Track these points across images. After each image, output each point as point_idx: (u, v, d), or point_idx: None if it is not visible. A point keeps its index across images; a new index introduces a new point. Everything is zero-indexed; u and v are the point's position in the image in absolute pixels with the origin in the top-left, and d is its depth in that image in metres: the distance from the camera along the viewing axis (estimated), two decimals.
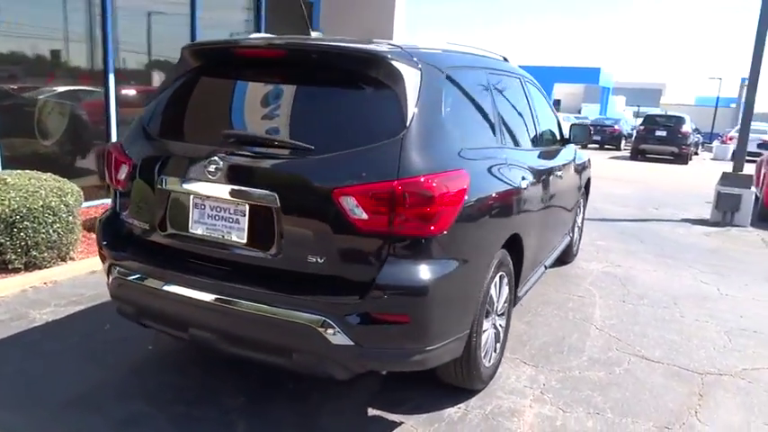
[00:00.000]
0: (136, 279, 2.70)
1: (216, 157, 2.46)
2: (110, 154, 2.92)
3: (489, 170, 2.86)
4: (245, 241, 2.49)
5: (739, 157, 8.66)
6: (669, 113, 23.32)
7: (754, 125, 33.82)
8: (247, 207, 2.46)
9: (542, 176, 3.77)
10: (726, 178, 8.56)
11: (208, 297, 2.48)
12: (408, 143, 2.34)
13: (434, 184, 2.31)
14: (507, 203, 3.00)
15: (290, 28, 9.91)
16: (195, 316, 2.59)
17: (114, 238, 2.89)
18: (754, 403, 3.21)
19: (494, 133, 3.17)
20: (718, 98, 42.23)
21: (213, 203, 2.55)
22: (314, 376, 2.63)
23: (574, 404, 3.08)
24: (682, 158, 20.43)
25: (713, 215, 8.64)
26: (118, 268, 2.76)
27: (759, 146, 20.63)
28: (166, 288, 2.59)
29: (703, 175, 16.76)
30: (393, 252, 2.31)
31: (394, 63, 2.47)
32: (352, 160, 2.32)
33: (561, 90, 40.07)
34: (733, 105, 46.83)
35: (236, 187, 2.45)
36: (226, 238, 2.53)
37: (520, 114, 3.79)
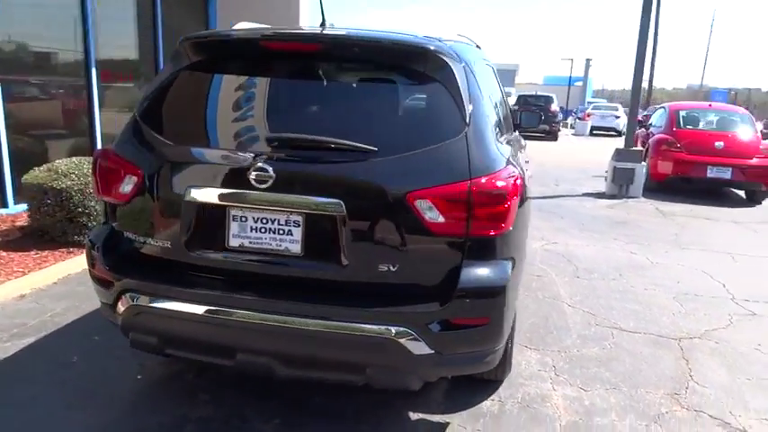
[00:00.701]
0: (161, 305, 2.36)
1: (264, 164, 2.20)
2: (103, 163, 2.51)
3: (518, 162, 2.87)
4: (300, 254, 2.27)
5: (630, 134, 9.54)
6: (539, 93, 25.03)
7: (605, 104, 37.10)
8: (303, 217, 2.25)
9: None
10: (619, 153, 9.40)
11: (263, 318, 2.23)
12: (471, 141, 2.27)
13: (504, 183, 2.26)
14: (527, 196, 3.04)
15: (188, 19, 9.24)
16: (245, 339, 2.32)
17: (122, 260, 2.49)
18: (729, 362, 3.57)
19: (501, 125, 3.18)
20: (570, 78, 46.06)
21: (258, 215, 2.29)
22: (384, 389, 2.49)
23: (589, 382, 3.23)
24: (552, 135, 22.05)
25: (609, 188, 9.46)
26: (135, 295, 2.39)
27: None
28: (205, 312, 2.29)
29: (575, 150, 18.30)
30: (469, 254, 2.24)
31: (444, 57, 2.36)
32: (421, 161, 2.20)
33: None
34: (579, 84, 51.38)
35: (290, 196, 2.22)
36: (276, 252, 2.29)
37: (503, 103, 3.84)
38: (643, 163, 9.49)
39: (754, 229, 7.61)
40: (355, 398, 2.90)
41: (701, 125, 10.42)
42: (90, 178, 5.01)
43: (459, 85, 2.35)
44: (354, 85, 2.46)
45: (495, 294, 2.25)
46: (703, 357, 3.61)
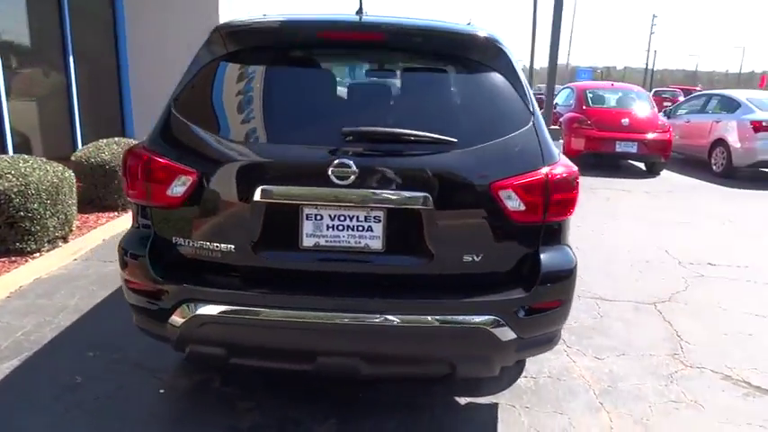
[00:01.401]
0: (231, 313, 2.19)
1: (345, 159, 2.11)
2: (143, 165, 2.27)
3: None
4: (381, 250, 2.21)
5: (548, 113, 10.12)
6: None
7: None
8: (384, 212, 2.19)
9: None
10: None
11: (347, 317, 2.16)
12: (538, 130, 2.33)
13: (572, 169, 2.34)
14: None
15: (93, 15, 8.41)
16: (327, 341, 2.23)
17: (174, 267, 2.28)
18: (703, 321, 3.98)
19: None
20: None
21: (336, 212, 2.19)
22: (466, 379, 2.48)
23: (600, 351, 3.45)
24: None
25: None
26: (197, 304, 2.20)
27: None
28: (281, 316, 2.17)
29: None
30: (544, 240, 2.31)
31: (501, 47, 2.38)
32: (499, 151, 2.22)
33: None
34: None
35: (373, 191, 2.14)
36: (355, 249, 2.21)
37: None
38: (560, 141, 10.13)
39: (665, 198, 8.42)
40: (398, 389, 2.89)
41: (606, 103, 11.27)
42: (31, 178, 4.51)
43: (518, 74, 2.39)
44: (419, 75, 2.41)
45: (568, 277, 2.34)
46: (681, 318, 3.99)
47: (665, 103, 22.16)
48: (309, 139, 2.21)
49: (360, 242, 2.21)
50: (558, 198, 2.27)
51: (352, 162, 2.11)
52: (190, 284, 2.23)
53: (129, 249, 2.36)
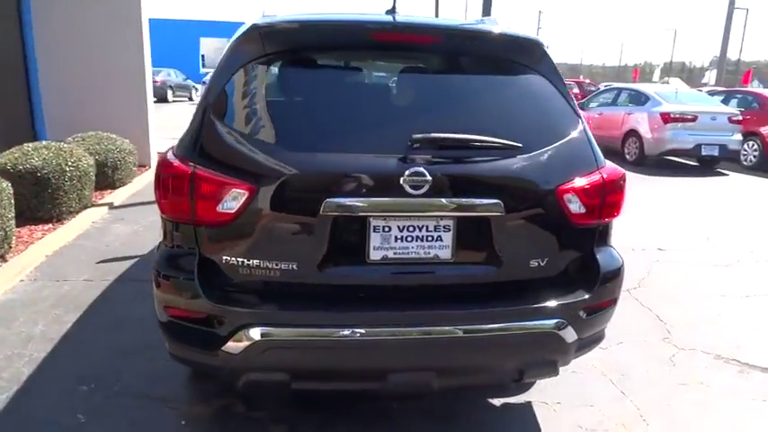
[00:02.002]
0: (297, 335, 2.04)
1: (419, 168, 2.02)
2: (194, 179, 2.04)
3: None
4: (450, 259, 2.15)
5: None
6: None
7: None
8: (454, 220, 2.12)
9: None
10: None
11: (420, 331, 2.08)
12: (587, 132, 2.36)
13: (620, 171, 2.40)
14: None
15: None
16: (400, 357, 2.13)
17: (231, 291, 2.09)
18: (678, 304, 4.27)
19: None
20: None
21: (404, 223, 2.09)
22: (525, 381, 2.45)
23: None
24: None
25: None
26: (260, 329, 2.02)
27: None
28: (350, 335, 2.05)
29: None
30: (598, 241, 2.35)
31: (545, 50, 2.39)
32: (559, 155, 2.23)
33: (208, 45, 39.21)
34: None
35: (446, 200, 2.07)
36: (424, 260, 2.13)
37: None
38: None
39: None
40: (430, 397, 2.85)
41: None
42: None
43: (561, 78, 2.41)
44: (473, 78, 2.35)
45: (618, 276, 2.40)
46: (657, 303, 4.25)
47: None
48: (374, 147, 2.09)
49: (429, 252, 2.14)
50: (612, 200, 2.32)
51: (425, 170, 2.03)
52: (249, 308, 2.05)
53: (170, 272, 2.13)
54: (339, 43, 2.27)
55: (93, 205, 6.11)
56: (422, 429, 2.64)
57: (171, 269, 2.14)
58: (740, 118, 10.78)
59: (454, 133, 2.13)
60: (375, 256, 2.11)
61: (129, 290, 4.09)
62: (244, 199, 2.02)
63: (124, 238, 5.27)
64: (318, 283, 2.11)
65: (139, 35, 8.05)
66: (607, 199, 2.30)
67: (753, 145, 11.36)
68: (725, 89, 15.44)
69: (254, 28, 2.19)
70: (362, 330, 2.05)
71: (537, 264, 2.22)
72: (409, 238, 2.11)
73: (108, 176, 6.79)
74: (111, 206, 6.29)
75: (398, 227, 2.10)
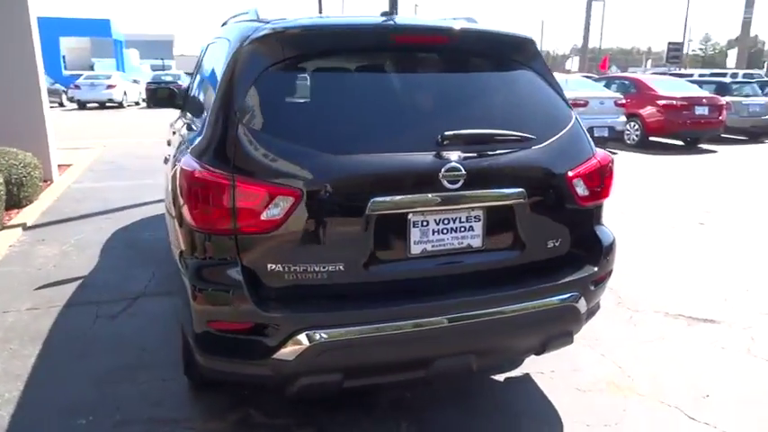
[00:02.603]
0: (351, 334, 2.07)
1: (455, 163, 2.13)
2: (234, 189, 2.01)
3: None
4: (481, 247, 2.28)
5: None
6: None
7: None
8: (483, 210, 2.25)
9: None
10: None
11: (458, 318, 2.18)
12: (580, 122, 2.59)
13: (610, 156, 2.65)
14: None
15: None
16: (443, 344, 2.23)
17: (279, 298, 2.07)
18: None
19: None
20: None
21: (440, 216, 2.19)
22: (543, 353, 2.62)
23: None
24: None
25: None
26: (314, 332, 2.03)
27: None
28: (399, 328, 2.12)
29: None
30: (595, 219, 2.59)
31: (538, 50, 2.58)
32: (564, 144, 2.43)
33: (67, 44, 36.47)
34: None
35: (479, 191, 2.20)
36: (458, 250, 2.26)
37: None
38: None
39: None
40: (436, 383, 2.97)
41: None
42: None
43: (551, 72, 2.62)
44: (482, 76, 2.48)
45: (613, 248, 2.67)
46: None
47: None
48: (408, 146, 2.17)
49: (462, 242, 2.25)
50: (607, 182, 2.57)
51: (460, 165, 2.14)
52: (302, 312, 2.06)
53: (211, 284, 2.08)
54: (358, 46, 2.32)
55: (4, 227, 5.54)
56: (440, 413, 2.76)
57: (212, 281, 2.09)
58: (624, 101, 11.96)
59: (477, 128, 2.26)
60: (415, 250, 2.19)
61: (86, 313, 3.81)
62: (289, 205, 2.02)
63: (55, 260, 4.85)
64: (365, 282, 2.15)
65: (29, 35, 7.31)
66: (605, 181, 2.54)
67: (634, 125, 12.69)
68: (612, 76, 17.00)
69: (275, 32, 2.18)
70: (411, 322, 2.13)
71: (552, 244, 2.42)
72: (445, 231, 2.22)
73: (14, 195, 6.17)
74: (24, 227, 5.73)
75: (435, 220, 2.20)
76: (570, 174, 2.40)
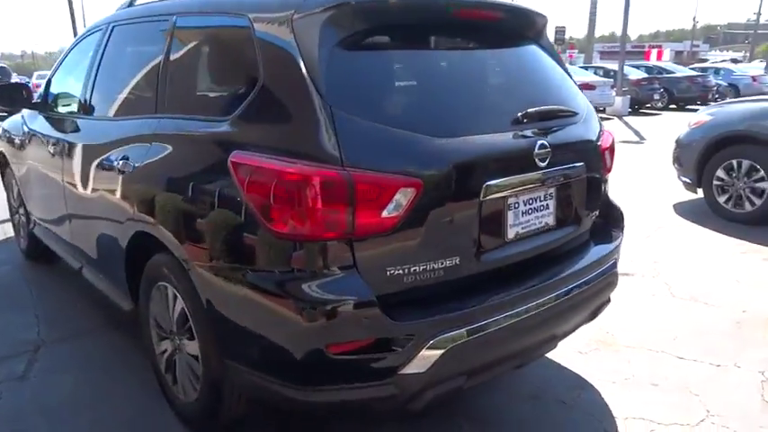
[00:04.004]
0: (483, 331, 1.90)
1: (542, 140, 2.07)
2: (355, 185, 1.71)
3: None
4: (554, 225, 2.27)
5: None
6: None
7: None
8: (555, 188, 2.23)
9: None
10: None
11: (554, 297, 2.15)
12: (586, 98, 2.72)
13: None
14: None
15: None
16: (543, 327, 2.17)
17: (401, 304, 1.80)
18: None
19: None
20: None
21: (527, 197, 2.12)
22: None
23: None
24: None
25: None
26: (451, 334, 1.81)
27: None
28: (518, 317, 2.01)
29: None
30: (606, 188, 2.74)
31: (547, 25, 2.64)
32: (591, 118, 2.52)
33: None
34: None
35: (559, 168, 2.19)
36: (539, 229, 2.22)
37: None
38: None
39: None
40: None
41: None
42: None
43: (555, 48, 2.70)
44: (523, 52, 2.42)
45: (623, 213, 2.84)
46: None
47: None
48: (495, 125, 2.06)
49: (541, 222, 2.22)
50: (614, 154, 2.74)
51: (546, 142, 2.09)
52: (433, 316, 1.82)
53: (330, 301, 1.73)
54: (429, 22, 2.11)
55: None
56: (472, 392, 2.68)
57: (329, 297, 1.74)
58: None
59: (544, 105, 2.24)
60: (511, 233, 2.10)
61: None
62: (410, 198, 1.77)
63: None
64: (477, 272, 2.00)
65: None
66: (612, 155, 2.71)
67: None
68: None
69: (341, 5, 1.86)
70: (526, 307, 2.04)
71: (592, 216, 2.52)
72: (530, 211, 2.16)
73: None
74: None
75: (523, 201, 2.13)
76: (602, 146, 2.51)
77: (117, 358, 3.07)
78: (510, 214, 2.09)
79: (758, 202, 5.42)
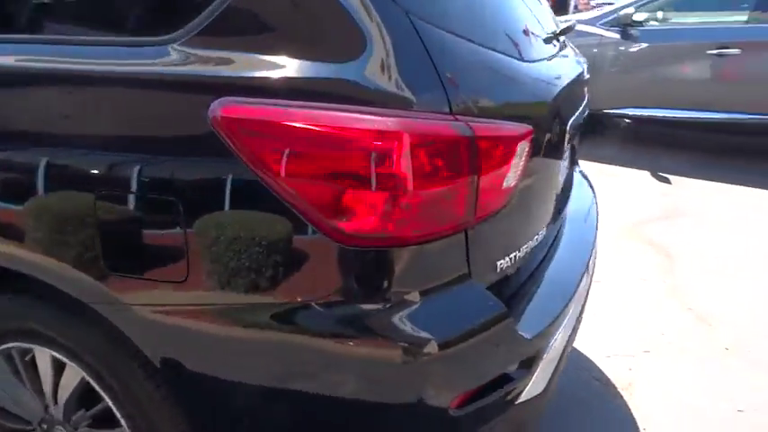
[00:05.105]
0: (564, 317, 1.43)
1: (583, 61, 1.91)
2: (476, 146, 1.01)
3: None
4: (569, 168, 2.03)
5: None
6: None
7: None
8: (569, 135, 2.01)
9: None
10: None
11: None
12: None
13: None
14: None
15: None
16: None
17: (515, 305, 1.23)
18: None
19: None
20: None
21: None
22: None
23: None
24: None
25: None
26: (553, 337, 1.28)
27: None
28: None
29: None
30: None
31: None
32: None
33: None
34: None
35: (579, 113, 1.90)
36: (567, 180, 1.89)
37: None
38: None
39: None
40: None
41: None
42: None
43: None
44: None
45: None
46: None
47: None
48: (541, 54, 1.54)
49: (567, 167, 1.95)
50: None
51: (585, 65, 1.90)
52: (549, 316, 1.27)
53: (465, 324, 1.07)
54: None
55: None
56: None
57: (449, 330, 1.04)
58: None
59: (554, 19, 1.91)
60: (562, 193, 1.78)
61: None
62: (525, 157, 1.13)
63: None
64: (549, 246, 1.52)
65: None
66: None
67: None
68: None
69: None
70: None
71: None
72: (566, 160, 1.84)
73: None
74: None
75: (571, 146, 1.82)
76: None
77: None
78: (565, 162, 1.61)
79: None
